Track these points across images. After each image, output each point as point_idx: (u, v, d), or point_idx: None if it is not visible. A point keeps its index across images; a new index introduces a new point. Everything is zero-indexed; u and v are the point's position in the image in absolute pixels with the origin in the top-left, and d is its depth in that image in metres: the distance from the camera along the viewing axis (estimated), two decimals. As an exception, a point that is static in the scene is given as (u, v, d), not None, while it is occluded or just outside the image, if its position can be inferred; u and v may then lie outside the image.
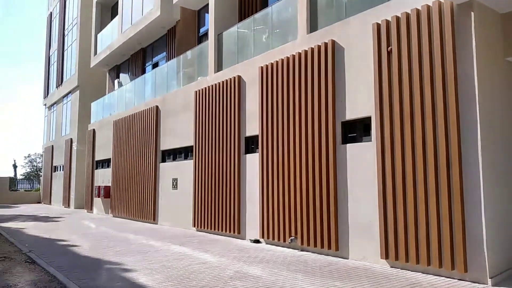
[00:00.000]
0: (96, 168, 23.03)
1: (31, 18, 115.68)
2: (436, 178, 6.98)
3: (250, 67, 11.69)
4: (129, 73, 22.70)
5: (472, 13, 6.78)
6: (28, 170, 63.69)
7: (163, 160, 16.27)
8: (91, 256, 9.11)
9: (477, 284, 6.39)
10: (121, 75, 24.14)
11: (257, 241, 10.84)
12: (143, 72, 21.01)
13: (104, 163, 22.11)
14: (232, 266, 7.84)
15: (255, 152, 11.38)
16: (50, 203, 32.61)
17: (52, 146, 33.50)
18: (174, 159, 15.66)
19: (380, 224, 7.79)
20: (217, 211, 12.45)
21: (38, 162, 58.77)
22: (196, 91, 13.97)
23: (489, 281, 6.34)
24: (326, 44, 9.28)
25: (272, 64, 10.74)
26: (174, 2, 16.81)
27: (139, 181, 17.50)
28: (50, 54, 36.59)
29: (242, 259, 8.51)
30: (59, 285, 6.55)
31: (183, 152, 15.05)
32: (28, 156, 63.49)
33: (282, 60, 10.41)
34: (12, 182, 42.56)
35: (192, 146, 14.13)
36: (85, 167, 25.12)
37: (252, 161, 11.35)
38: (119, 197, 19.39)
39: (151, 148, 16.74)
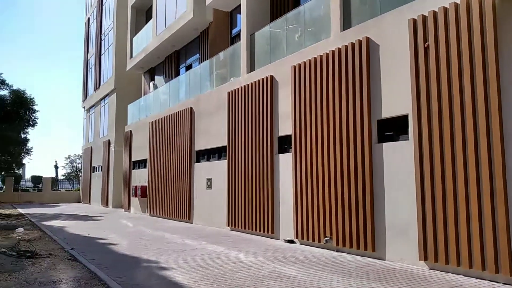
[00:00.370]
0: (133, 168, 23.62)
1: (70, 23, 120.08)
2: (478, 178, 6.73)
3: (283, 67, 11.66)
4: (164, 75, 23.15)
5: (515, 5, 6.50)
6: (69, 170, 65.92)
7: (197, 160, 16.49)
8: (129, 254, 9.34)
9: (523, 288, 6.12)
10: (156, 77, 24.64)
11: (291, 241, 10.80)
12: (177, 74, 21.38)
13: (141, 163, 22.64)
14: (267, 266, 7.85)
15: (288, 152, 11.34)
16: (89, 202, 33.71)
17: (91, 147, 34.62)
18: (208, 159, 15.85)
19: (418, 225, 7.59)
20: (250, 211, 12.50)
21: (78, 163, 60.80)
22: (229, 92, 14.08)
23: (536, 285, 6.07)
24: (360, 41, 9.14)
25: (304, 63, 10.67)
26: (206, 4, 17.00)
27: (174, 181, 17.81)
28: (88, 58, 37.83)
29: (277, 259, 8.50)
30: (100, 282, 6.75)
31: (217, 152, 15.20)
32: (69, 157, 65.71)
33: (315, 58, 10.33)
34: (54, 182, 44.27)
35: (225, 146, 14.25)
36: (122, 167, 25.82)
37: (285, 161, 11.31)
38: (155, 197, 19.81)
39: (185, 149, 17.01)
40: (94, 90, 34.49)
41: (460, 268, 6.94)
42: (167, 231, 13.85)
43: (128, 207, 23.80)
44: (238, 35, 16.38)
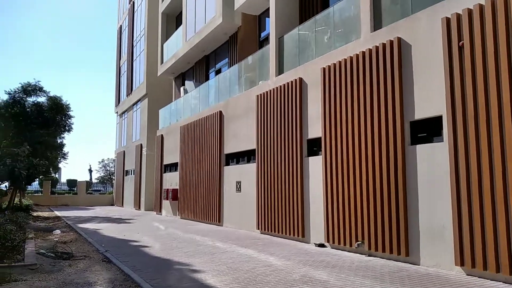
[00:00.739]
0: (165, 172, 24.02)
1: (102, 31, 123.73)
2: (518, 180, 6.47)
3: (312, 69, 11.60)
4: (194, 80, 23.48)
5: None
6: (102, 174, 67.66)
7: (227, 164, 16.60)
8: (162, 257, 9.49)
9: None
10: (186, 82, 25.01)
11: (322, 245, 10.69)
12: (207, 78, 21.63)
13: (172, 167, 23.00)
14: (298, 269, 7.79)
15: (318, 155, 11.25)
16: (122, 205, 34.49)
17: (124, 151, 35.45)
18: (237, 163, 15.92)
19: (454, 229, 7.36)
20: (280, 214, 12.46)
21: (111, 167, 62.30)
22: (257, 95, 14.12)
23: None
24: (391, 41, 8.98)
25: (334, 64, 10.58)
26: (235, 9, 17.13)
27: (205, 184, 17.99)
28: (121, 64, 38.82)
29: (307, 263, 8.43)
30: (133, 284, 6.89)
31: (246, 156, 15.25)
32: (102, 161, 67.47)
33: (345, 60, 10.22)
34: (88, 185, 45.60)
35: (254, 150, 14.28)
36: (154, 170, 26.28)
37: (315, 164, 11.22)
38: (186, 200, 20.06)
39: (215, 152, 17.16)
40: (127, 96, 35.33)
41: (500, 275, 6.67)
42: (198, 233, 13.99)
43: (159, 210, 24.20)
44: (266, 39, 16.41)
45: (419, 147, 8.32)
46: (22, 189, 24.70)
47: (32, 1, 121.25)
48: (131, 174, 33.11)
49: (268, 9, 15.21)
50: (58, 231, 14.81)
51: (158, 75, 27.21)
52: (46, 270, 7.94)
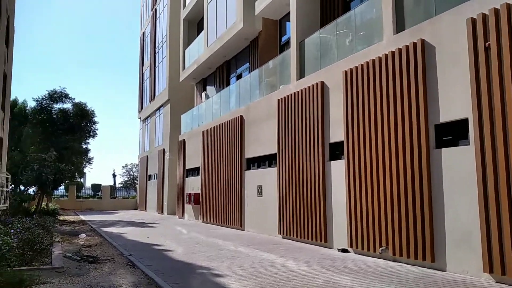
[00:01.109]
0: (187, 176, 24.23)
1: (127, 38, 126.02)
2: (549, 184, 6.26)
3: (333, 72, 11.53)
4: (215, 85, 23.66)
5: None
6: (126, 178, 68.57)
7: (248, 168, 16.62)
8: (184, 261, 9.55)
9: None
10: (208, 87, 25.23)
11: (345, 251, 10.57)
12: (228, 83, 21.76)
13: (194, 171, 23.18)
14: (321, 275, 7.72)
15: (340, 159, 11.15)
16: (145, 209, 34.91)
17: (147, 156, 35.94)
18: (258, 167, 15.93)
19: (482, 234, 7.17)
20: (302, 219, 12.38)
21: (134, 172, 63.14)
22: (279, 99, 14.11)
23: None
24: (415, 43, 8.84)
25: (356, 67, 10.49)
26: (256, 14, 17.21)
27: (226, 188, 18.06)
28: (143, 71, 39.45)
29: (330, 269, 8.35)
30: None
31: (267, 160, 15.24)
32: (126, 166, 68.40)
33: (367, 63, 10.12)
34: (112, 190, 46.28)
35: (275, 154, 14.26)
36: (176, 175, 26.55)
37: (338, 168, 11.12)
38: (208, 204, 20.17)
39: (236, 156, 17.22)
40: (149, 101, 35.85)
41: (531, 282, 6.46)
42: (220, 238, 14.03)
43: (182, 214, 24.39)
44: (287, 43, 16.42)
45: (444, 151, 8.15)
46: (48, 193, 25.30)
47: (58, 11, 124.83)
48: (154, 178, 33.50)
49: (288, 14, 15.22)
50: (83, 235, 15.11)
51: (180, 80, 27.54)
52: (73, 273, 8.10)
